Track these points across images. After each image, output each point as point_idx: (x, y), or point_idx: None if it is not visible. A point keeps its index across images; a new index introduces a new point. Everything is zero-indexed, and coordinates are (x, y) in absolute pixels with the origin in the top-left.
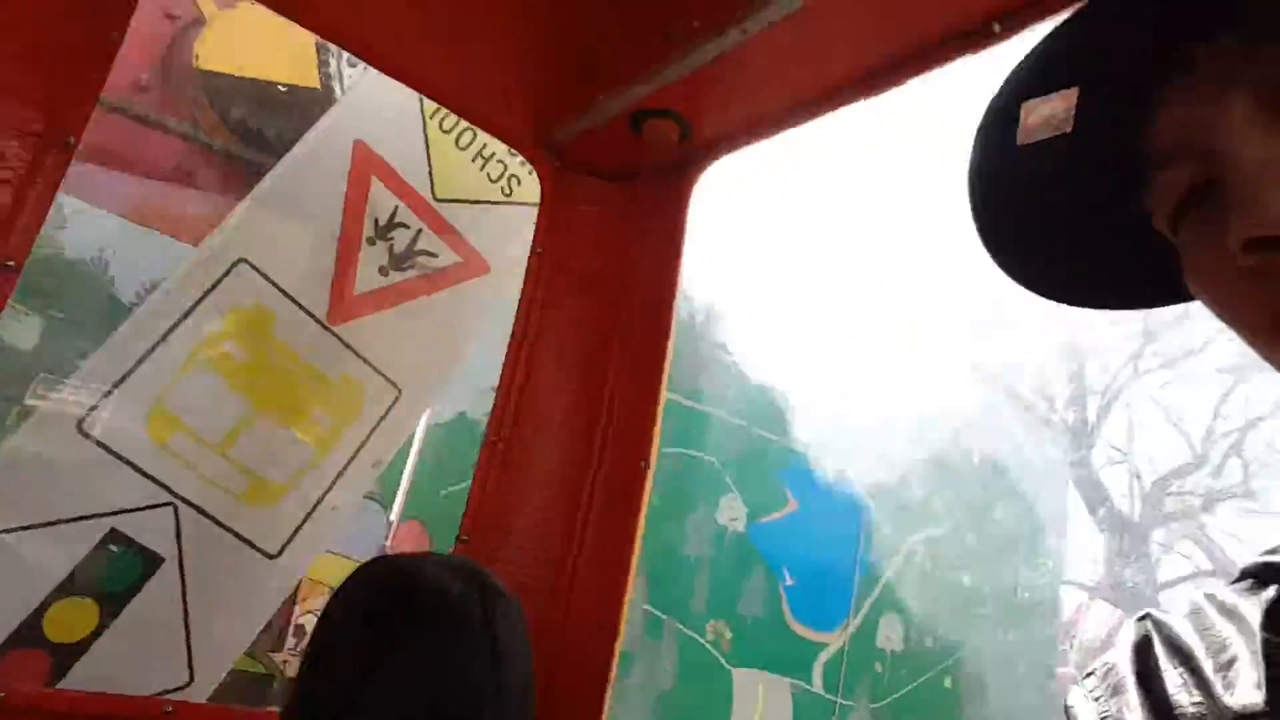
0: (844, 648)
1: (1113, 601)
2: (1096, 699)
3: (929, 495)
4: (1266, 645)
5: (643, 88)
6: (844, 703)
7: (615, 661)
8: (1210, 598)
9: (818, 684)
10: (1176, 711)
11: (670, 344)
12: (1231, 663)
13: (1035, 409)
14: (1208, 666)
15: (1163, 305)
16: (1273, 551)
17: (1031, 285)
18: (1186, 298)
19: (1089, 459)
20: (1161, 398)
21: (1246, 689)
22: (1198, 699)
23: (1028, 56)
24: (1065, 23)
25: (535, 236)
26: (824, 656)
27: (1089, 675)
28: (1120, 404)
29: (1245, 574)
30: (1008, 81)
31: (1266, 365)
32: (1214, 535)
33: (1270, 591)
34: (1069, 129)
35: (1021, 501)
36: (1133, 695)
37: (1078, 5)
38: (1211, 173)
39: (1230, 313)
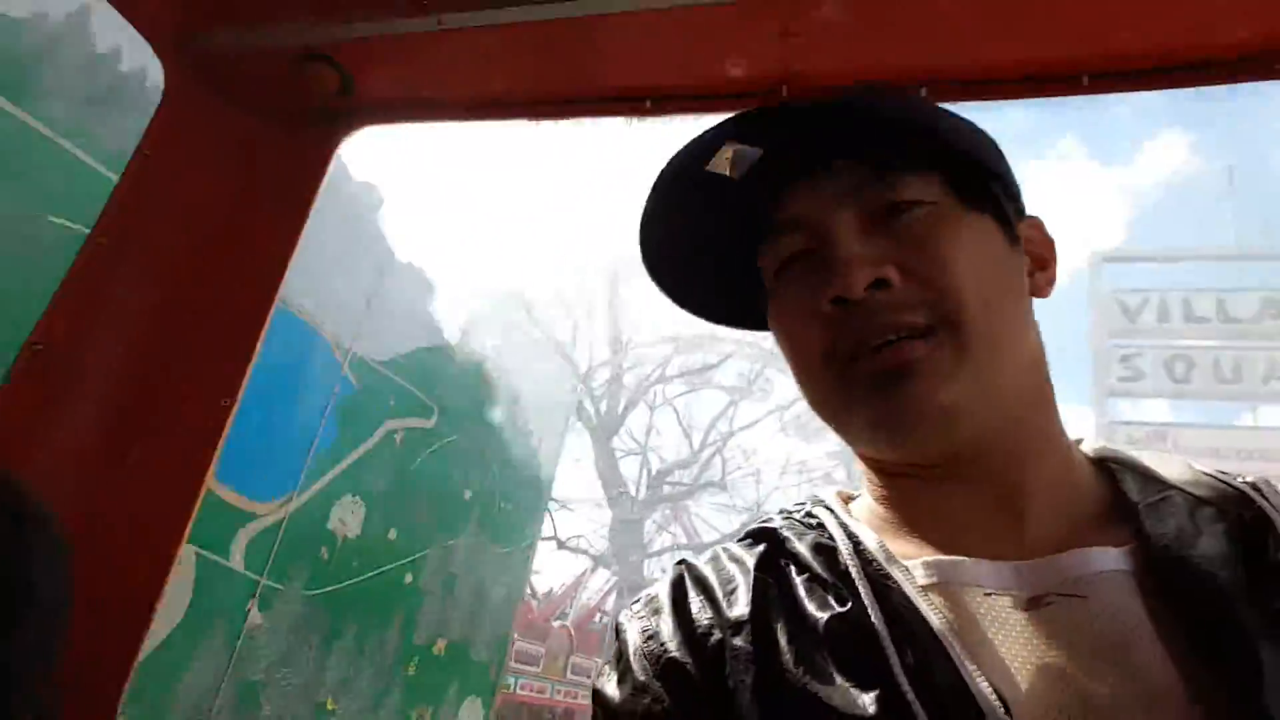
0: (282, 522)
1: (612, 567)
2: (640, 618)
3: (439, 391)
4: (756, 580)
5: (315, 27)
6: (271, 584)
7: (158, 606)
8: (725, 549)
9: (237, 560)
10: (696, 624)
11: (276, 297)
12: (734, 590)
13: (576, 372)
14: (719, 593)
15: (749, 329)
16: (765, 520)
17: (672, 298)
18: (763, 328)
19: (611, 445)
20: (679, 403)
21: (741, 607)
22: (710, 615)
23: (709, 131)
24: (736, 118)
25: (146, 138)
26: (252, 529)
27: (636, 602)
28: (645, 403)
29: (748, 535)
30: (682, 152)
31: (756, 391)
32: (694, 518)
33: (761, 547)
34: (738, 176)
35: (528, 438)
36: (667, 614)
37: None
38: (816, 246)
39: (796, 344)
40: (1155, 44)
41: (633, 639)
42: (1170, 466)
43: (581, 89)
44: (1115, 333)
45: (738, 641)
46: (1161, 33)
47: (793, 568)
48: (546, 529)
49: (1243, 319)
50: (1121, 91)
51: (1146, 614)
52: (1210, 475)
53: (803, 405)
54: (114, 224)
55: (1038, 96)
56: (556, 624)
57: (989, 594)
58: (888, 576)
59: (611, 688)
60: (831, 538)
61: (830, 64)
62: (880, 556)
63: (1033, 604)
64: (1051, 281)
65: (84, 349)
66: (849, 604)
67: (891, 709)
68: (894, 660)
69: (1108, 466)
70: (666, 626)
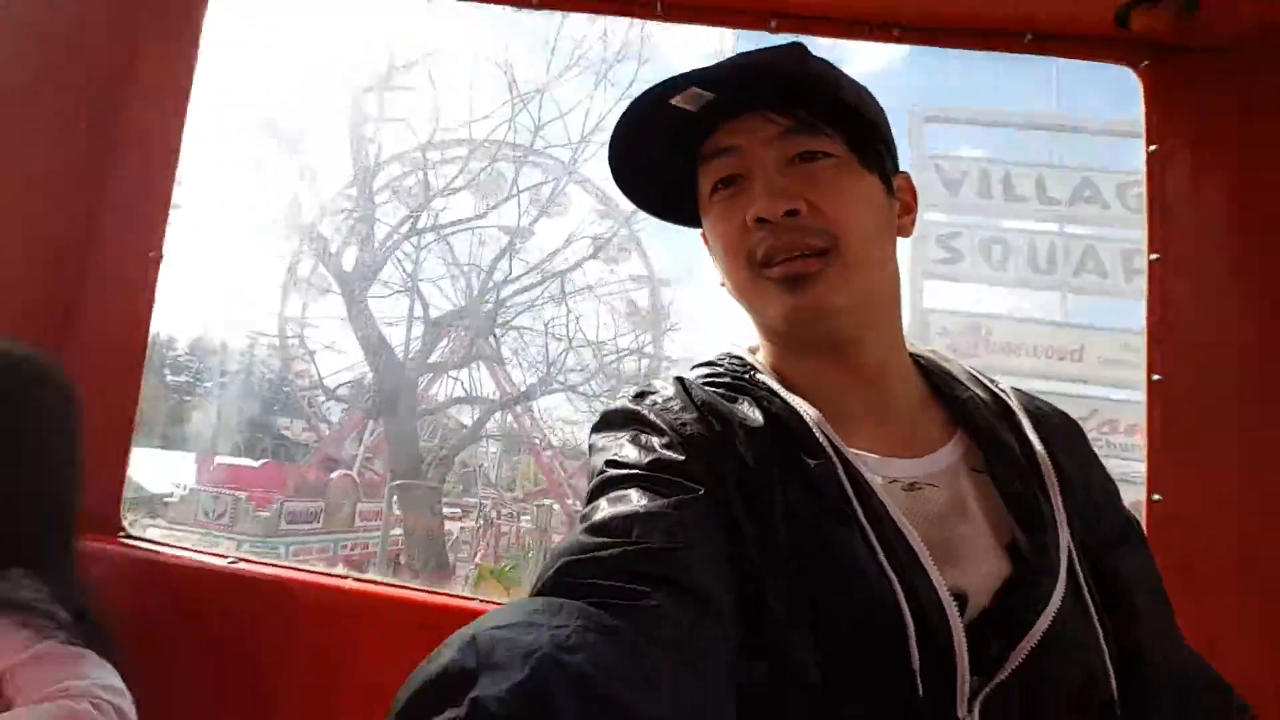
0: None
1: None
2: (647, 397)
3: None
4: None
5: None
6: None
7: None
8: (700, 383)
9: None
10: (709, 422)
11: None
12: (733, 413)
13: None
14: (723, 409)
15: (680, 224)
16: (709, 367)
17: (634, 202)
18: (690, 224)
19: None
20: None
21: (749, 429)
22: (719, 424)
23: (677, 77)
24: (696, 70)
25: None
26: None
27: (637, 394)
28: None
29: (707, 377)
30: (656, 86)
31: None
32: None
33: (732, 390)
34: (694, 108)
35: None
36: (679, 398)
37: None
38: (745, 173)
39: (724, 246)
40: None
41: (644, 410)
42: (956, 367)
43: None
44: (934, 206)
45: (747, 454)
46: None
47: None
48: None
49: (1060, 200)
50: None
51: (973, 486)
52: (974, 374)
53: None
54: None
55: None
56: (335, 474)
57: (891, 481)
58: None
59: (629, 451)
60: (783, 402)
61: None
62: (830, 434)
63: (910, 488)
64: (914, 223)
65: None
66: (820, 459)
67: (859, 539)
68: (858, 507)
69: (919, 363)
70: (680, 404)
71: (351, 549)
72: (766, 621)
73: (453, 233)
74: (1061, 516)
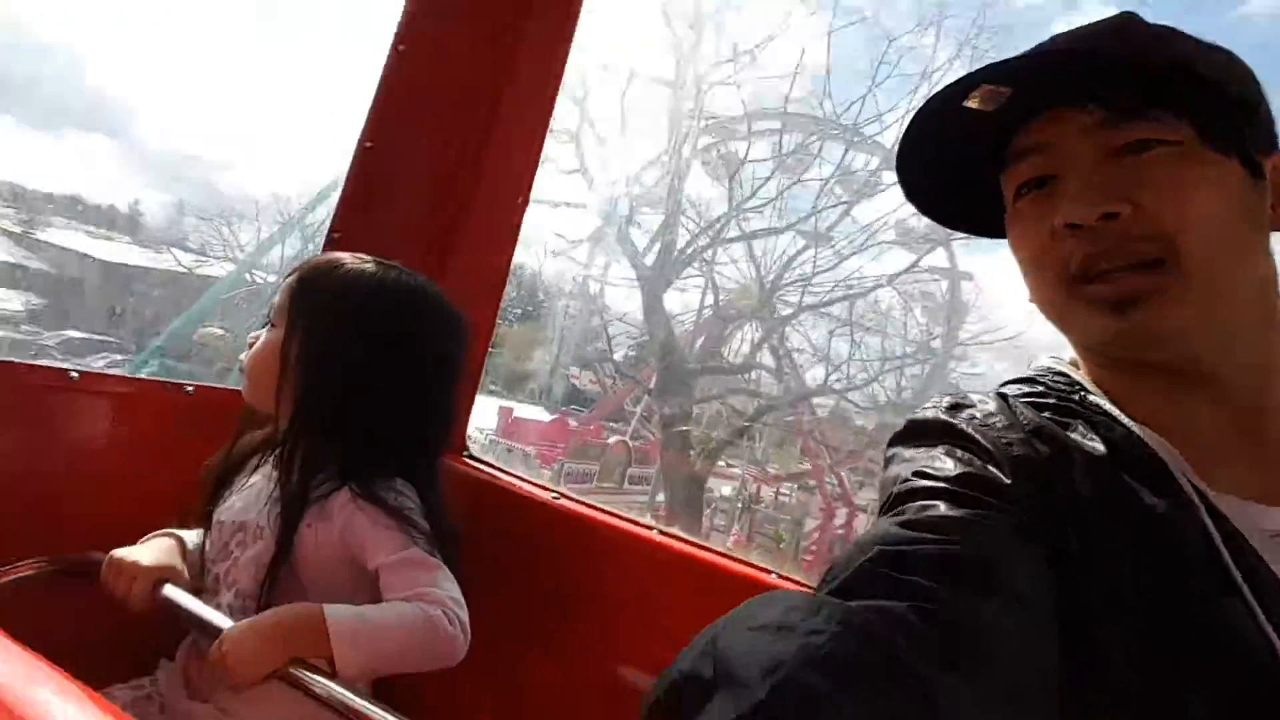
0: None
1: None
2: (966, 408)
3: None
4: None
5: None
6: None
7: None
8: (1026, 403)
9: None
10: (1036, 450)
11: (559, 83)
12: (1058, 448)
13: None
14: (1050, 433)
15: (981, 235)
16: (1030, 385)
17: (921, 209)
18: (994, 235)
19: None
20: None
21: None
22: (1046, 451)
23: (969, 75)
24: (989, 66)
25: None
26: None
27: (952, 406)
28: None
29: (1029, 397)
30: (942, 91)
31: None
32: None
33: (1063, 418)
34: (989, 109)
35: None
36: (1001, 416)
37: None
38: (1055, 172)
39: (1030, 257)
40: None
41: (960, 424)
42: None
43: None
44: None
45: (1084, 485)
46: None
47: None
48: None
49: None
50: None
51: None
52: None
53: None
54: (415, 29)
55: None
56: (613, 440)
57: (1274, 535)
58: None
59: (944, 464)
60: (1125, 430)
61: None
62: (1189, 473)
63: None
64: None
65: (399, 144)
66: (1176, 502)
67: (1235, 600)
68: (1229, 562)
69: None
70: (1004, 421)
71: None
72: (1097, 672)
73: (757, 237)
74: None
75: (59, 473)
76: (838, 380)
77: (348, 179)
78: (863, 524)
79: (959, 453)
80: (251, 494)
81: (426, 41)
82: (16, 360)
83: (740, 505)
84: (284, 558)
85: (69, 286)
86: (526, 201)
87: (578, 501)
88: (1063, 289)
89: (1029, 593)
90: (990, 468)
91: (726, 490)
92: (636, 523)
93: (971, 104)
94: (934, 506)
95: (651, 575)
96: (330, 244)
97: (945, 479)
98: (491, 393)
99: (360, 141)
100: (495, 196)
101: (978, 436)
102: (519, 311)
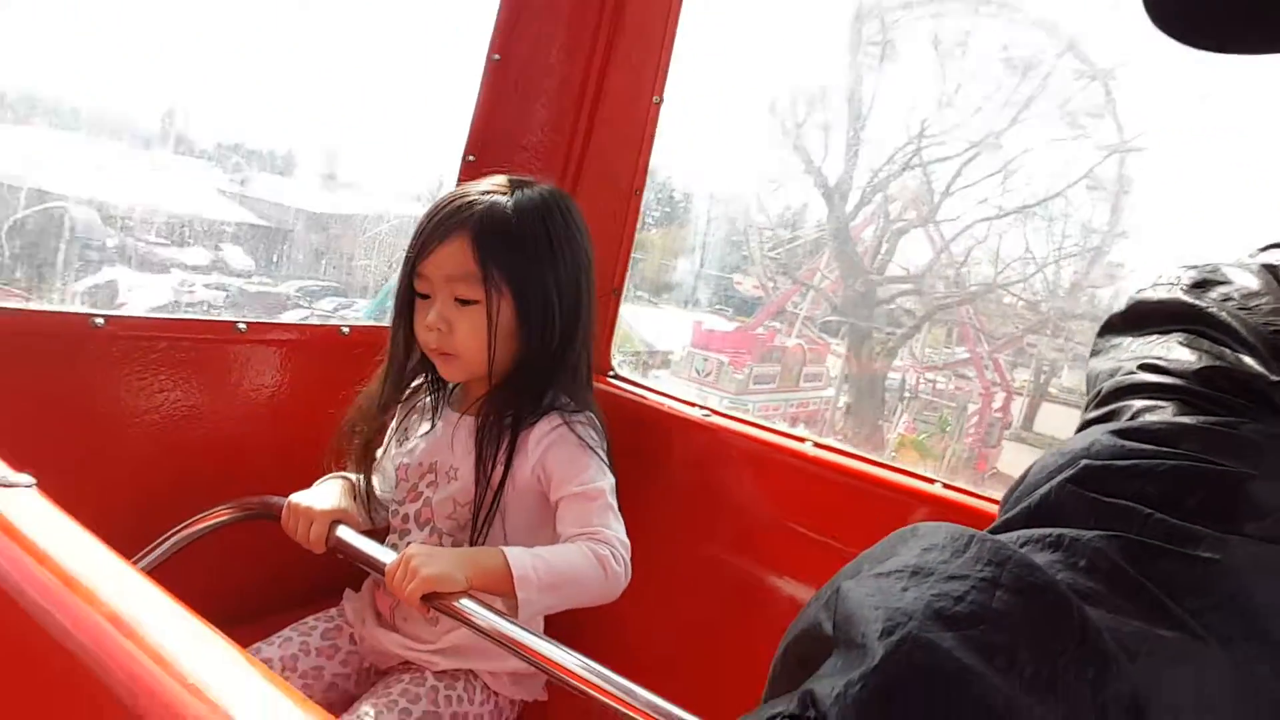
0: None
1: None
2: (1224, 284)
3: None
4: None
5: None
6: None
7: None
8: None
9: None
10: None
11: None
12: None
13: None
14: None
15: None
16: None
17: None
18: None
19: None
20: None
21: None
22: None
23: None
24: None
25: None
26: None
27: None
28: None
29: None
30: None
31: None
32: None
33: None
34: None
35: None
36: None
37: None
38: None
39: None
40: None
41: (1208, 306)
42: None
43: None
44: None
45: None
46: None
47: None
48: None
49: None
50: None
51: None
52: None
53: None
54: None
55: None
56: (791, 342)
57: None
58: None
59: (1182, 354)
60: None
61: None
62: None
63: None
64: None
65: (524, 58)
66: None
67: None
68: None
69: None
70: (1273, 302)
71: (798, 407)
72: None
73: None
74: None
75: (238, 422)
76: (1002, 277)
77: (479, 97)
78: (1017, 407)
79: (1205, 342)
80: (434, 436)
81: None
82: (190, 317)
83: (908, 395)
84: (496, 501)
85: (281, 238)
86: (661, 100)
87: (727, 416)
88: None
89: None
90: (1254, 362)
91: (894, 381)
92: (790, 435)
93: None
94: (1160, 409)
95: (809, 489)
96: (467, 167)
97: (1181, 373)
98: (639, 300)
99: (488, 55)
100: (627, 99)
101: (1232, 323)
102: (659, 214)
